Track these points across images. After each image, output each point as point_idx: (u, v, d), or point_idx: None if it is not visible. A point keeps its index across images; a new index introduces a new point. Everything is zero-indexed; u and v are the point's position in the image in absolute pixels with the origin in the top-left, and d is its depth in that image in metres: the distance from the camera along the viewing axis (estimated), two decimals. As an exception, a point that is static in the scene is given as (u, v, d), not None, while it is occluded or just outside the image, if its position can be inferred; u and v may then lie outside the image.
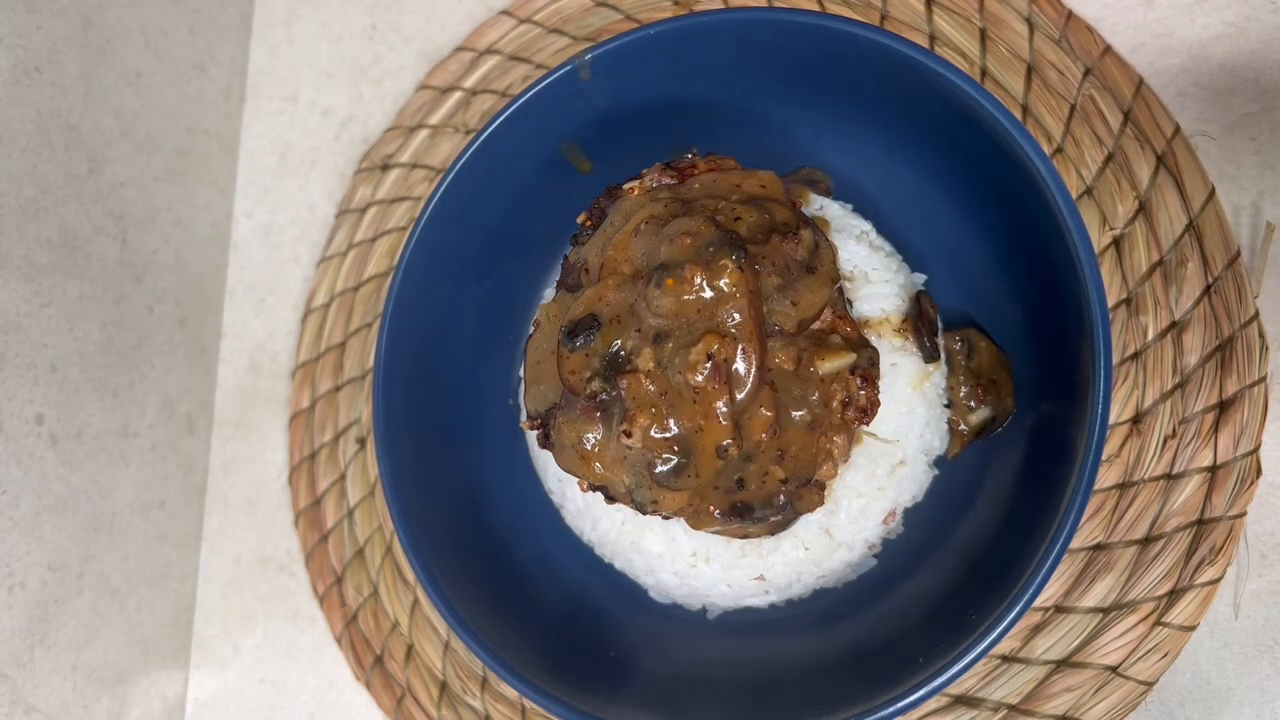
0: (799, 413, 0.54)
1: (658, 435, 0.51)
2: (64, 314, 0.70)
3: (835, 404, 0.55)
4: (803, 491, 0.56)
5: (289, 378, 0.86)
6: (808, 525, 0.61)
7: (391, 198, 0.84)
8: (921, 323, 0.62)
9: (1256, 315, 0.61)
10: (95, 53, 0.74)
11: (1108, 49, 0.67)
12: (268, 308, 0.88)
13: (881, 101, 0.61)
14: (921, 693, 0.53)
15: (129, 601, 0.77)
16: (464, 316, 0.69)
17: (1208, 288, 0.62)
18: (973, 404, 0.63)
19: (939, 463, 0.65)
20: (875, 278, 0.63)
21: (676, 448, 0.52)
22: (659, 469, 0.52)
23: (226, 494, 0.86)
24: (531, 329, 0.60)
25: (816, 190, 0.67)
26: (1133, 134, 0.65)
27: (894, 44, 0.55)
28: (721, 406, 0.51)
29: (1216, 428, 0.61)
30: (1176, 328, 0.63)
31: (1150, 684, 0.60)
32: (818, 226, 0.57)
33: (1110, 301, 0.64)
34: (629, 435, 0.51)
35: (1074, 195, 0.65)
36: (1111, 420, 0.62)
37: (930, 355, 0.62)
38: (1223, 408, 0.61)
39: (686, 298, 0.51)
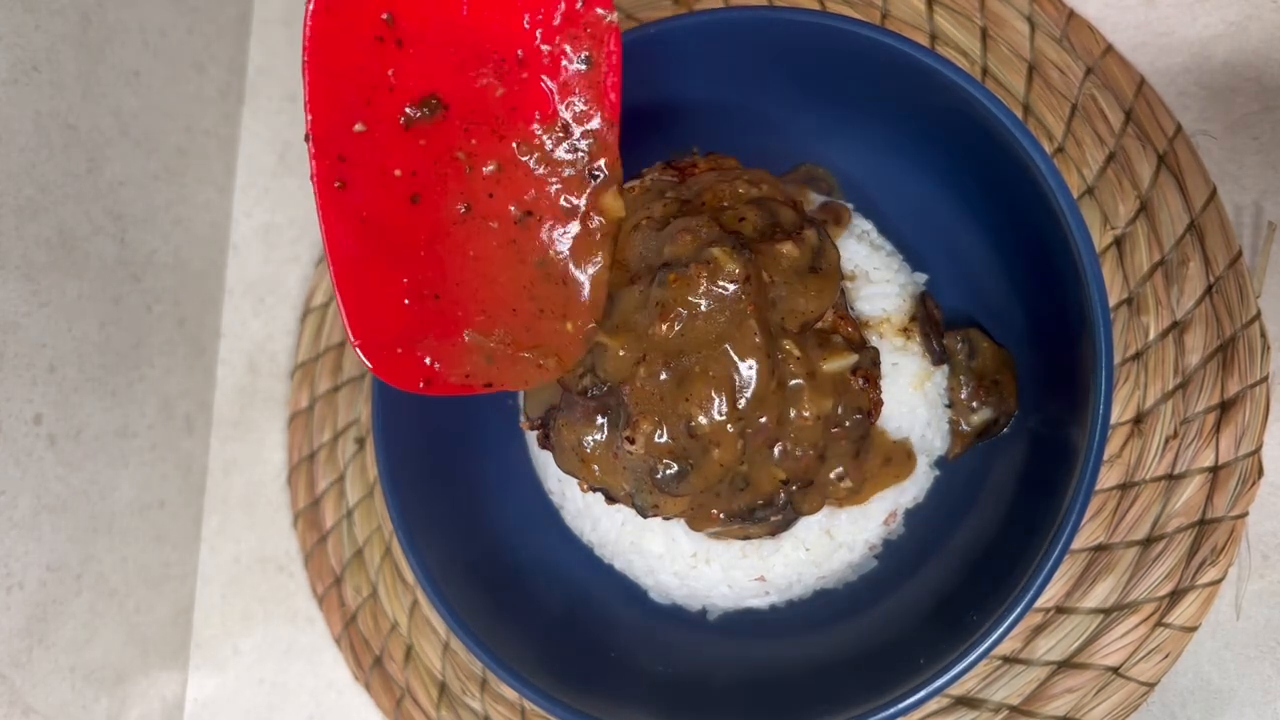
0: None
1: (661, 441, 0.51)
2: (62, 314, 0.70)
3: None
4: (804, 493, 0.56)
5: (288, 378, 0.86)
6: (808, 526, 0.61)
7: (391, 197, 0.84)
8: (929, 325, 0.62)
9: (1258, 315, 0.61)
10: (94, 52, 0.74)
11: (1109, 48, 0.66)
12: (267, 307, 0.88)
13: (882, 101, 0.61)
14: (923, 693, 0.52)
15: (128, 602, 0.77)
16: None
17: (1209, 287, 0.62)
18: (974, 404, 0.63)
19: (940, 463, 0.65)
20: (876, 277, 0.63)
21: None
22: (661, 474, 0.52)
23: (226, 494, 0.86)
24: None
25: (817, 188, 0.67)
26: (1134, 133, 0.65)
27: (895, 43, 0.55)
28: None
29: (1218, 428, 0.61)
30: (1178, 328, 0.63)
31: (1151, 685, 0.60)
32: (821, 226, 0.56)
33: (1111, 301, 0.64)
34: (632, 442, 0.51)
35: (1075, 195, 0.65)
36: (1113, 420, 0.62)
37: (939, 358, 0.61)
38: (1224, 408, 0.61)
39: (690, 297, 0.51)
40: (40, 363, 0.68)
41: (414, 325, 0.50)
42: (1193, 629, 0.60)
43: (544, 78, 0.50)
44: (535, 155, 0.51)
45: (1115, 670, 0.61)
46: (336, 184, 0.47)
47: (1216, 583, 0.60)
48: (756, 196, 0.56)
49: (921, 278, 0.66)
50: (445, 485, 0.67)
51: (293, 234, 0.88)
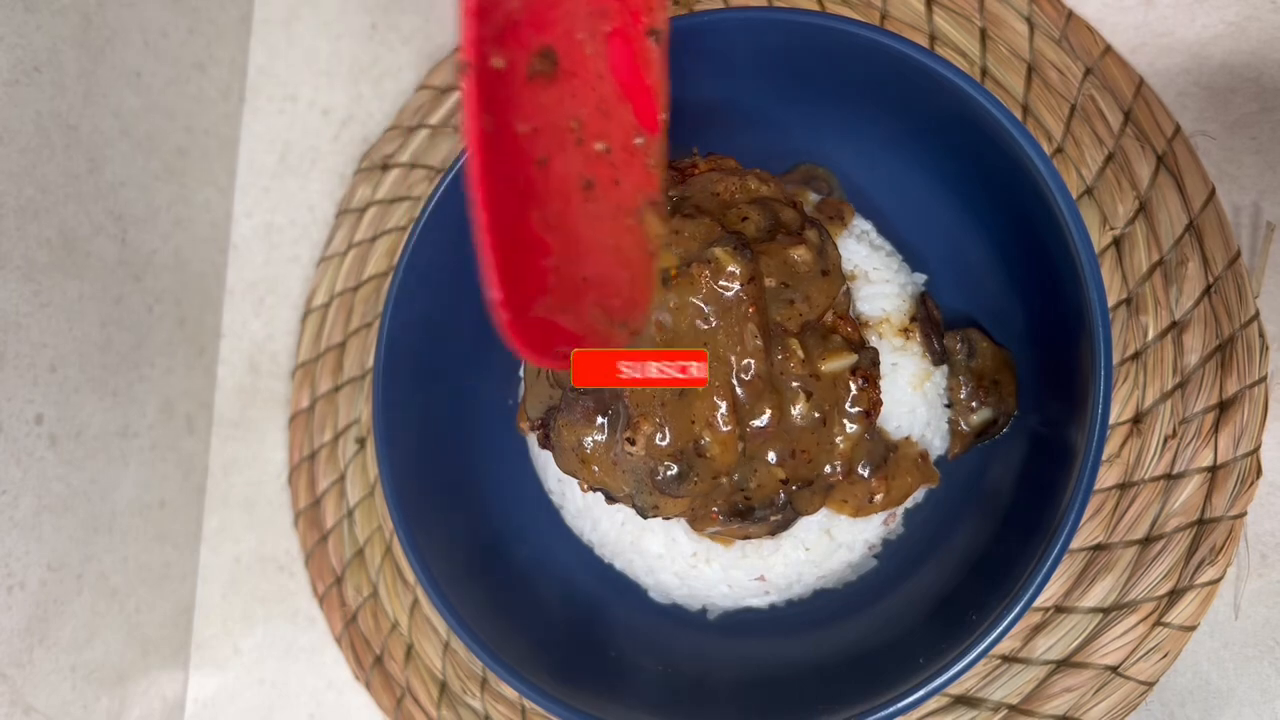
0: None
1: (662, 443, 0.51)
2: (63, 314, 0.70)
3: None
4: (804, 493, 0.56)
5: (289, 378, 0.86)
6: (808, 526, 0.61)
7: (391, 198, 0.84)
8: (929, 325, 0.62)
9: (1257, 315, 0.61)
10: (95, 52, 0.74)
11: (1108, 49, 0.67)
12: (267, 308, 0.88)
13: (882, 101, 0.61)
14: (922, 693, 0.53)
15: (128, 601, 0.77)
16: (463, 316, 0.69)
17: (1208, 288, 0.62)
18: (974, 404, 0.63)
19: (940, 463, 0.65)
20: (876, 277, 0.63)
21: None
22: (662, 475, 0.52)
23: (226, 494, 0.86)
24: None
25: (817, 188, 0.67)
26: (1133, 134, 0.65)
27: (894, 44, 0.55)
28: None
29: (1217, 428, 0.61)
30: (1177, 328, 0.63)
31: (1150, 684, 0.60)
32: (823, 227, 0.56)
33: (1110, 301, 0.64)
34: (632, 443, 0.51)
35: (1074, 195, 0.65)
36: (1112, 420, 0.62)
37: (939, 358, 0.62)
38: (1223, 408, 0.61)
39: (691, 297, 0.51)
40: (41, 362, 0.68)
41: (554, 295, 0.45)
42: (1191, 628, 0.60)
43: (624, 41, 0.48)
44: (648, 150, 0.49)
45: (1114, 669, 0.61)
46: (486, 124, 0.41)
47: (1215, 582, 0.60)
48: (758, 196, 0.56)
49: (921, 278, 0.66)
50: (445, 485, 0.67)
51: (293, 234, 0.88)
